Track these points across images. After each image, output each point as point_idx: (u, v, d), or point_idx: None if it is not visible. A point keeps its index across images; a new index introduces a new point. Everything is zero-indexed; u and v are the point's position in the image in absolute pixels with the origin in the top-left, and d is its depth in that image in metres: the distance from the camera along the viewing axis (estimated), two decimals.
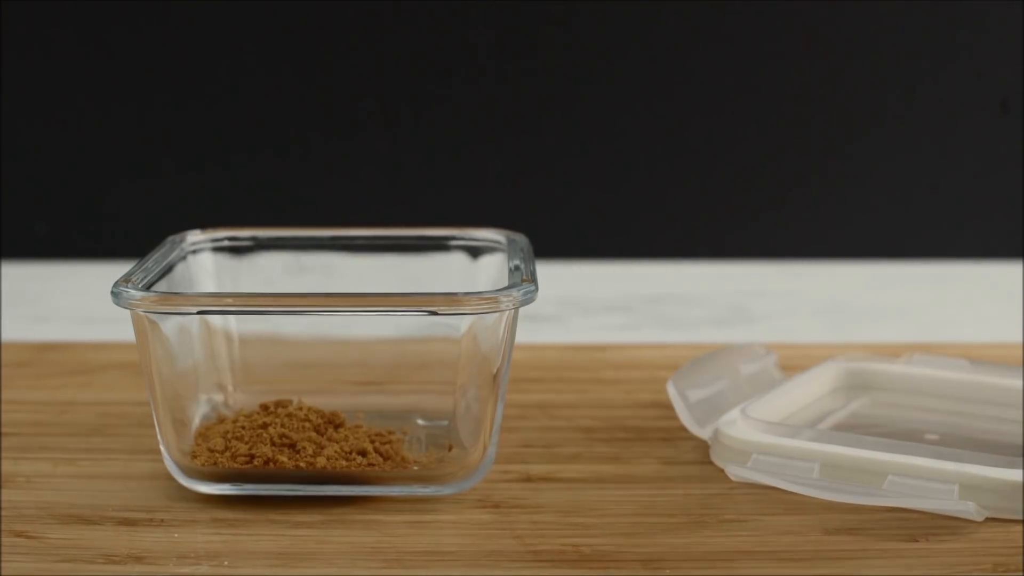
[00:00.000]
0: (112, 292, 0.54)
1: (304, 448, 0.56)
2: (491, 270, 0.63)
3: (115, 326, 0.70)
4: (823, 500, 0.55)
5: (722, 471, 0.58)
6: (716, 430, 0.59)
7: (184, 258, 0.62)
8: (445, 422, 0.61)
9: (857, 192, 1.04)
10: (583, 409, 0.66)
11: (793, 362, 0.69)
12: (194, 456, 0.56)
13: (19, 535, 0.53)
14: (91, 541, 0.52)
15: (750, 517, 0.54)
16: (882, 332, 0.87)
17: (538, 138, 1.03)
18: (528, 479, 0.58)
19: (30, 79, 1.01)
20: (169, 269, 0.60)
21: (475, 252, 0.64)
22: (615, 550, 0.52)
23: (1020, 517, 0.54)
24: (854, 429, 0.61)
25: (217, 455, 0.56)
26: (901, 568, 0.50)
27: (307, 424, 0.57)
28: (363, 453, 0.56)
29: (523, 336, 0.58)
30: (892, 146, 1.03)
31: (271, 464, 0.55)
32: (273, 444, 0.56)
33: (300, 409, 0.58)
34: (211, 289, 0.63)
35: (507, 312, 0.55)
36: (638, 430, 0.63)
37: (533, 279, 0.56)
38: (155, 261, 0.59)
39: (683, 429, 0.61)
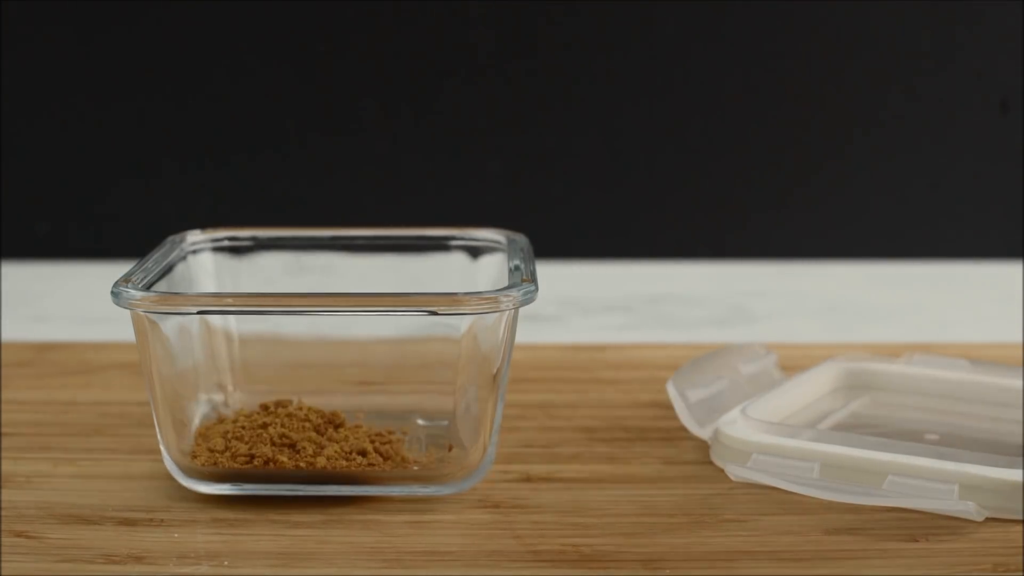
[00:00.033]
0: (112, 292, 0.54)
1: (304, 448, 0.56)
2: (491, 270, 0.63)
3: (115, 326, 0.70)
4: (823, 500, 0.55)
5: (722, 471, 0.58)
6: (716, 430, 0.59)
7: (184, 258, 0.62)
8: (445, 422, 0.61)
9: (857, 192, 1.04)
10: (583, 409, 0.66)
11: (793, 362, 0.69)
12: (194, 456, 0.56)
13: (19, 535, 0.53)
14: (91, 541, 0.52)
15: (750, 517, 0.54)
16: (882, 332, 0.87)
17: (538, 138, 1.03)
18: (528, 479, 0.58)
19: (30, 79, 1.01)
20: (169, 269, 0.60)
21: (475, 252, 0.64)
22: (615, 550, 0.52)
23: (1020, 517, 0.54)
24: (854, 429, 0.61)
25: (217, 455, 0.56)
26: (901, 568, 0.50)
27: (307, 424, 0.57)
28: (363, 453, 0.56)
29: (523, 336, 0.58)
30: (892, 146, 1.03)
31: (271, 464, 0.55)
32: (273, 444, 0.56)
33: (300, 409, 0.58)
34: (211, 289, 0.63)
35: (507, 312, 0.55)
36: (638, 430, 0.63)
37: (533, 279, 0.56)
38: (155, 261, 0.59)
39: (683, 429, 0.61)
